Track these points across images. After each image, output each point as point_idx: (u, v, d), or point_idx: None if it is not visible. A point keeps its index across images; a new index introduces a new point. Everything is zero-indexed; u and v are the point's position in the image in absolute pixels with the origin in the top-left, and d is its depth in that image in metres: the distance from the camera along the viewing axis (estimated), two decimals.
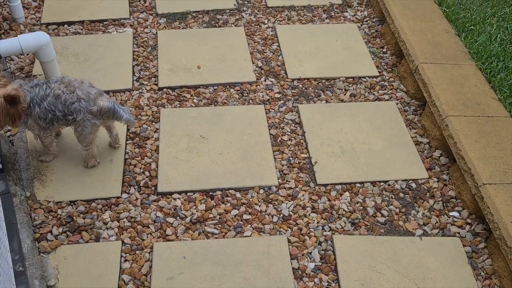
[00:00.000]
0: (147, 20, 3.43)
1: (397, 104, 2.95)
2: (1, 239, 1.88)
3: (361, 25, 3.54)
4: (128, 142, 2.63)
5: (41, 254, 2.13)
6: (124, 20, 3.41)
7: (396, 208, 2.43)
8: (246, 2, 3.66)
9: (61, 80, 2.24)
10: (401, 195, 2.49)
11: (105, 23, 3.38)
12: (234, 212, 2.36)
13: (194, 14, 3.51)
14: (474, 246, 2.29)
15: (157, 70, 3.05)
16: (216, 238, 2.26)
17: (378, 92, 3.02)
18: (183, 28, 3.40)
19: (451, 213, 2.42)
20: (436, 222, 2.38)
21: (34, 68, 2.97)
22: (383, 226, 2.36)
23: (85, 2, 3.50)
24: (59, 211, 2.30)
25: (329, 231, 2.31)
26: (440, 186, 2.54)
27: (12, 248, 2.03)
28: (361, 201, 2.45)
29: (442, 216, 2.40)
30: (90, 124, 2.24)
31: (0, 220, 1.98)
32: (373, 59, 3.25)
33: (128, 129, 2.69)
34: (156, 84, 2.96)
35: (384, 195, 2.48)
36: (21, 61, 3.03)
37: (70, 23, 3.34)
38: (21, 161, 2.48)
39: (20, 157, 2.49)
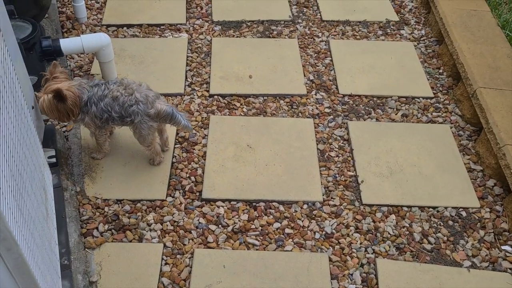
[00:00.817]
0: (203, 27, 3.49)
1: (451, 128, 2.85)
2: (51, 232, 1.94)
3: (418, 44, 3.46)
4: (176, 146, 2.67)
5: (86, 249, 2.18)
6: (180, 26, 3.48)
7: (444, 236, 2.34)
8: (301, 14, 3.66)
9: (120, 82, 2.30)
10: (450, 223, 2.40)
11: (162, 27, 3.46)
12: (277, 225, 2.34)
13: (249, 23, 3.54)
14: None
15: (209, 77, 3.09)
16: (256, 249, 2.25)
17: (431, 114, 2.93)
18: (237, 37, 3.43)
19: (503, 247, 2.30)
20: (486, 255, 2.27)
21: (92, 67, 3.08)
22: (429, 253, 2.27)
23: (145, 7, 3.60)
24: (106, 209, 2.35)
25: (372, 254, 2.25)
26: (492, 217, 2.42)
27: (60, 241, 2.09)
28: (407, 225, 2.37)
29: (493, 249, 2.29)
30: (147, 126, 2.29)
31: (52, 213, 2.05)
32: (428, 80, 3.16)
33: (177, 133, 2.73)
34: (208, 91, 3.00)
35: (432, 222, 2.40)
36: (80, 60, 3.14)
37: (129, 26, 3.44)
38: (74, 156, 2.56)
39: (73, 152, 2.58)
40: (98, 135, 2.41)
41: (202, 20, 3.55)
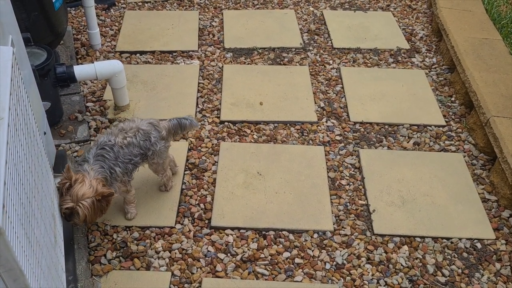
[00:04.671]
0: (214, 54, 3.53)
1: (464, 156, 2.81)
2: (59, 259, 1.92)
3: (429, 71, 3.45)
4: (186, 172, 2.66)
5: (93, 277, 2.16)
6: (192, 52, 3.52)
7: (459, 268, 2.28)
8: (312, 41, 3.68)
9: (117, 131, 2.19)
10: (465, 255, 2.34)
11: (174, 54, 3.50)
12: (286, 254, 2.30)
13: (260, 51, 3.56)
14: None
15: (220, 103, 3.10)
16: (265, 279, 2.20)
17: (444, 143, 2.90)
18: (248, 64, 3.45)
19: None
20: None
21: (105, 93, 3.11)
22: (444, 286, 2.21)
23: (158, 34, 3.66)
24: (114, 235, 2.33)
25: (384, 286, 2.19)
26: (508, 250, 2.36)
27: (67, 268, 2.07)
28: (420, 257, 2.31)
29: (510, 283, 2.22)
30: (165, 149, 2.30)
31: (60, 239, 2.03)
32: (440, 108, 3.14)
33: (187, 160, 2.72)
34: (218, 117, 3.00)
35: (446, 253, 2.34)
36: (93, 86, 3.18)
37: (142, 53, 3.49)
38: None
39: None
40: (130, 190, 2.30)
41: (214, 47, 3.59)
